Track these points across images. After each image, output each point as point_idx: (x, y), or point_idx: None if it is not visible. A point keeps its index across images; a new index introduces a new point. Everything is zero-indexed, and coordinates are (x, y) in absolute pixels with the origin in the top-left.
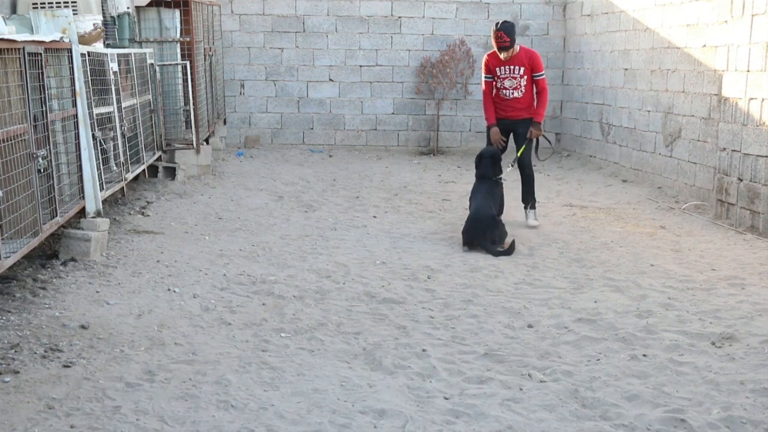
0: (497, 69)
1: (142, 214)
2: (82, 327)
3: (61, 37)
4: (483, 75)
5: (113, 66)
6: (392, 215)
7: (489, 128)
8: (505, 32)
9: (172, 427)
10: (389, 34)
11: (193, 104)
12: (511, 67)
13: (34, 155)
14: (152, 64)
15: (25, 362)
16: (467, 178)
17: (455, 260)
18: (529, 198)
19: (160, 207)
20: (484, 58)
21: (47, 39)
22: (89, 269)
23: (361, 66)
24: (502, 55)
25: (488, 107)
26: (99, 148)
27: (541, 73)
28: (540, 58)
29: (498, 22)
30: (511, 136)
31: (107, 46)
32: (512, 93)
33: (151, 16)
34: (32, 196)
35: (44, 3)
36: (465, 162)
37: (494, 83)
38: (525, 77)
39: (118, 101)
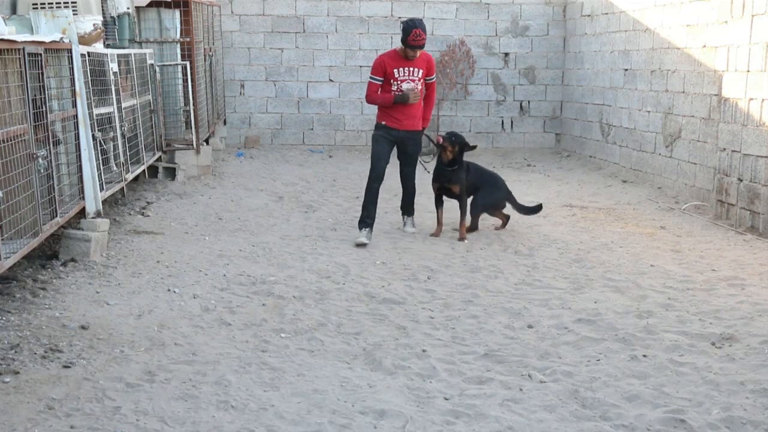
0: (395, 71)
1: (142, 214)
2: (82, 327)
3: (61, 38)
4: (371, 76)
5: (113, 66)
6: (392, 215)
7: (397, 99)
8: (423, 30)
9: (172, 428)
10: (389, 35)
11: (193, 105)
12: (412, 68)
13: (34, 155)
14: (152, 64)
15: (25, 362)
16: None
17: (455, 260)
18: (408, 209)
19: (160, 207)
20: (377, 58)
21: (47, 39)
22: (89, 270)
23: (361, 66)
24: (412, 54)
25: (379, 98)
26: (99, 148)
27: (433, 76)
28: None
29: (413, 20)
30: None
31: (107, 46)
32: None
33: (151, 17)
34: (32, 197)
35: (44, 3)
36: None
37: (383, 87)
38: (422, 81)
39: (118, 101)
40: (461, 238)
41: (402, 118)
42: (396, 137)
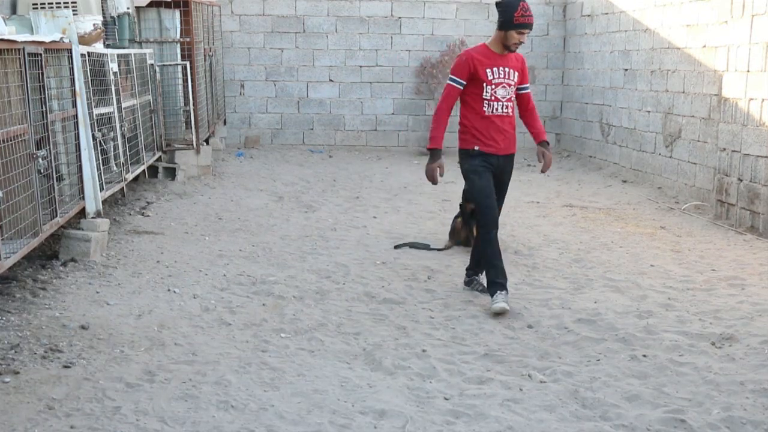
0: (488, 71)
1: (142, 214)
2: (82, 327)
3: (61, 38)
4: (452, 77)
5: (113, 66)
6: (392, 216)
7: (431, 153)
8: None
9: (172, 428)
10: (389, 35)
11: (193, 105)
12: (506, 69)
13: (34, 155)
14: (152, 64)
15: (25, 362)
16: None
17: (455, 260)
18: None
19: (160, 207)
20: (463, 54)
21: (47, 39)
22: (89, 269)
23: (361, 66)
24: (517, 41)
25: (442, 124)
26: (99, 148)
27: (528, 85)
28: None
29: None
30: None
31: (107, 46)
32: (505, 108)
33: (151, 17)
34: (32, 197)
35: (44, 3)
36: None
37: (467, 94)
38: (514, 88)
39: (118, 101)
40: None
41: (500, 140)
42: (495, 165)
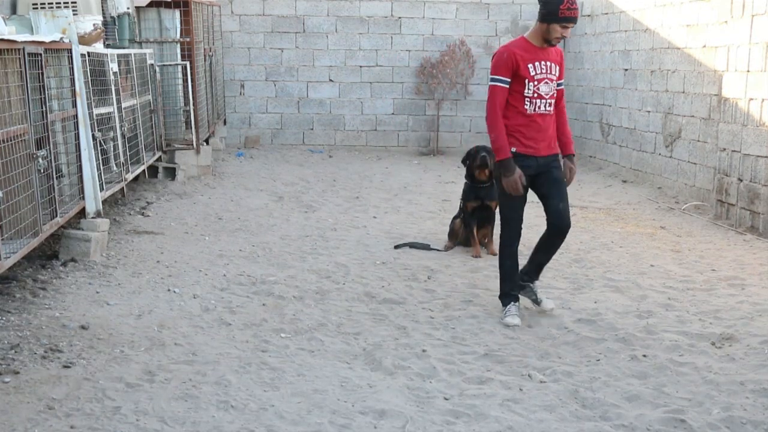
0: (530, 66)
1: (142, 214)
2: (82, 327)
3: (61, 38)
4: (495, 77)
5: (113, 66)
6: (392, 216)
7: (504, 164)
8: None
9: (172, 428)
10: (389, 35)
11: (193, 105)
12: (548, 63)
13: (34, 155)
14: (152, 64)
15: (25, 362)
16: None
17: (455, 260)
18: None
19: (160, 207)
20: (503, 50)
21: (47, 39)
22: (89, 269)
23: (361, 66)
24: (559, 35)
25: (501, 127)
26: (99, 148)
27: (563, 81)
28: None
29: None
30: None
31: (107, 46)
32: (548, 106)
33: (151, 17)
34: (32, 197)
35: (44, 3)
36: None
37: (507, 95)
38: (556, 84)
39: (118, 101)
40: (495, 253)
41: (540, 139)
42: (535, 168)
